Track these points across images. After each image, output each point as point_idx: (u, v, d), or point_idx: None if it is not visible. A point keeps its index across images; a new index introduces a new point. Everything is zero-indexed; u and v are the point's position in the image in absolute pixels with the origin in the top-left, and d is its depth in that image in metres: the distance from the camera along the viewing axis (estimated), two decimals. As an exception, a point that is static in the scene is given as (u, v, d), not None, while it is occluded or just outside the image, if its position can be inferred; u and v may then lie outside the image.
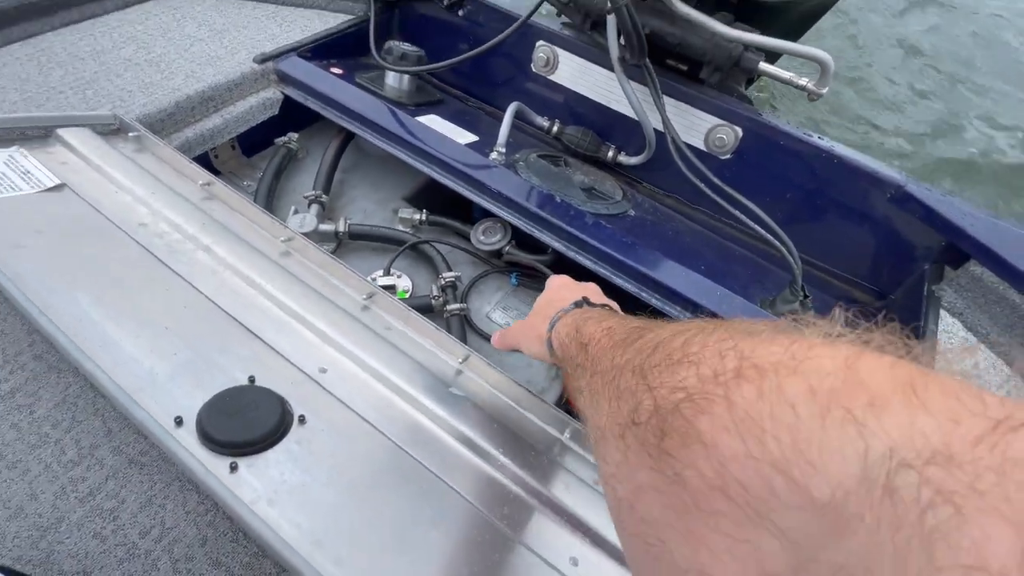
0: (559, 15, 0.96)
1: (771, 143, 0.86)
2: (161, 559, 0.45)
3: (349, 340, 0.55)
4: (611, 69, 0.86)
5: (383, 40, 1.00)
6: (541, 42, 0.98)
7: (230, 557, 0.46)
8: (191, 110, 0.81)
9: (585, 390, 0.31)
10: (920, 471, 0.13)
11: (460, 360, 0.57)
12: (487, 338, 0.76)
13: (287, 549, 0.39)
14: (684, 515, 0.19)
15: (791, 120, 0.89)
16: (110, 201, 0.62)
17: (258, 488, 0.42)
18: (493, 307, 0.83)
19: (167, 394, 0.46)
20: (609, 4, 0.76)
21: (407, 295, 0.81)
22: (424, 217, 0.88)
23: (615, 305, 0.49)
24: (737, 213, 0.78)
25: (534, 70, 1.02)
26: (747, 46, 0.81)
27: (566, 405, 0.71)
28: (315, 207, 0.85)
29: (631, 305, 0.64)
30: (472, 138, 0.94)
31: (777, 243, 0.74)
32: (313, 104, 0.88)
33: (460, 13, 1.05)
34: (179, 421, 0.44)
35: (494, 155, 0.85)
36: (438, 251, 0.84)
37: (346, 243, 0.85)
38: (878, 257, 0.88)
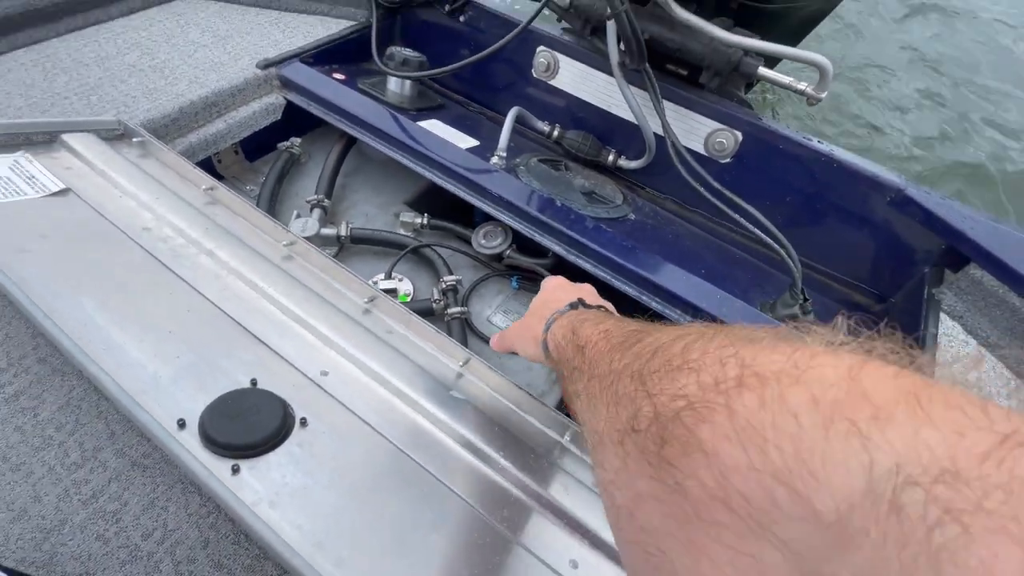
0: (559, 21, 0.97)
1: (770, 147, 0.87)
2: (163, 561, 0.45)
3: (350, 343, 0.56)
4: (611, 74, 0.87)
5: (385, 46, 1.01)
6: (542, 47, 0.99)
7: (232, 559, 0.46)
8: (195, 115, 0.82)
9: (582, 394, 0.30)
10: (927, 488, 0.13)
11: (461, 363, 0.57)
12: (488, 341, 0.77)
13: (288, 551, 0.39)
14: (685, 525, 0.19)
15: (790, 124, 0.89)
16: (114, 206, 0.63)
17: (260, 490, 0.42)
18: (494, 310, 0.83)
19: (170, 397, 0.46)
20: (609, 10, 0.77)
21: (408, 299, 0.81)
22: (425, 221, 0.89)
23: (610, 306, 0.48)
24: (737, 217, 0.78)
25: (535, 75, 1.02)
26: (746, 51, 0.82)
27: (566, 408, 0.71)
28: (317, 211, 0.85)
29: (630, 308, 0.65)
30: (473, 143, 0.95)
31: (777, 247, 0.75)
32: (315, 109, 0.89)
33: (461, 19, 1.06)
34: (182, 424, 0.44)
35: (495, 159, 0.85)
36: (439, 255, 0.85)
37: (348, 247, 0.86)
38: (878, 260, 0.88)
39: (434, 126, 0.95)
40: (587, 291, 0.51)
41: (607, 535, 0.47)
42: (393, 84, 0.99)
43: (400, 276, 0.83)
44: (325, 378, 0.52)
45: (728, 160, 0.91)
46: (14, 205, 0.59)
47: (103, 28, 0.94)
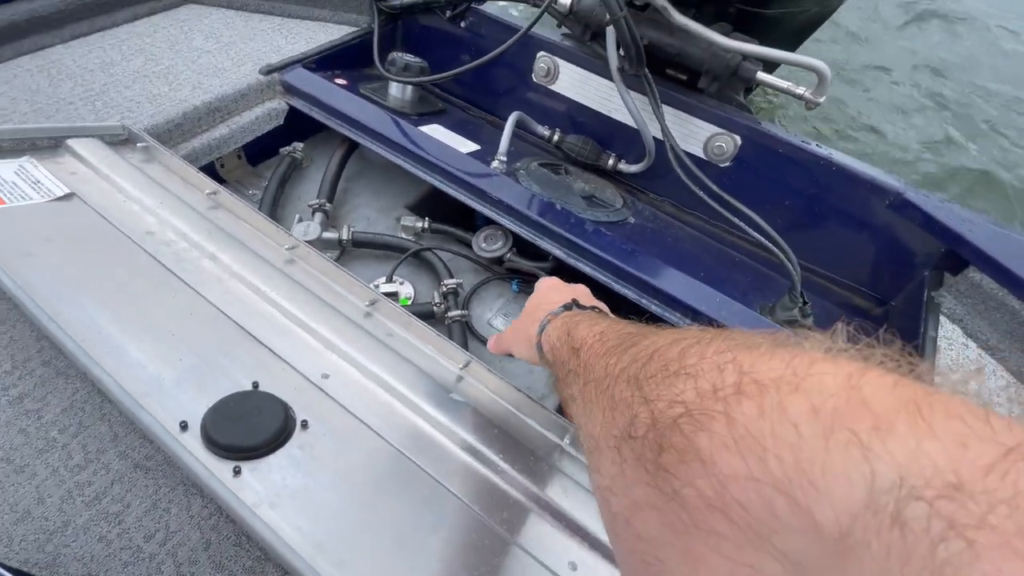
0: (559, 26, 0.98)
1: (770, 151, 0.87)
2: (165, 563, 0.45)
3: (351, 346, 0.56)
4: (611, 79, 0.88)
5: (387, 51, 1.01)
6: (542, 53, 0.99)
7: (233, 561, 0.46)
8: (198, 120, 0.83)
9: (578, 397, 0.30)
10: (930, 502, 0.13)
11: (461, 366, 0.57)
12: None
13: (288, 551, 0.39)
14: (683, 535, 0.19)
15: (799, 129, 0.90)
16: (118, 210, 0.64)
17: (261, 492, 0.42)
18: (495, 313, 0.83)
19: (173, 399, 0.46)
20: (608, 16, 0.77)
21: (409, 302, 0.81)
22: (426, 225, 0.89)
23: (604, 307, 0.48)
24: (736, 220, 0.79)
25: (535, 80, 1.03)
26: (744, 56, 0.83)
27: (565, 411, 0.71)
28: (319, 215, 0.86)
29: (630, 311, 0.65)
30: (474, 147, 0.95)
31: (776, 250, 0.75)
32: (317, 114, 0.90)
33: (462, 25, 1.07)
34: (184, 426, 0.45)
35: (495, 164, 0.86)
36: (440, 258, 0.85)
37: (349, 251, 0.86)
38: (878, 264, 0.88)
39: (435, 131, 0.96)
40: (581, 291, 0.51)
41: (606, 537, 0.47)
42: (395, 89, 1.00)
43: (401, 279, 0.83)
44: (326, 381, 0.52)
45: (727, 164, 0.91)
46: (20, 209, 0.60)
47: (108, 34, 0.95)
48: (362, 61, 1.06)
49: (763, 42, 0.81)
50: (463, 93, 1.16)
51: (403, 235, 0.90)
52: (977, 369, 0.59)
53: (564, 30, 0.98)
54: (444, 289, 0.80)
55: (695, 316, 0.69)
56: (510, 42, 0.86)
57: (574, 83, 0.99)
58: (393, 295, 0.81)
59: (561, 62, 0.99)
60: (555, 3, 0.88)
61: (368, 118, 0.87)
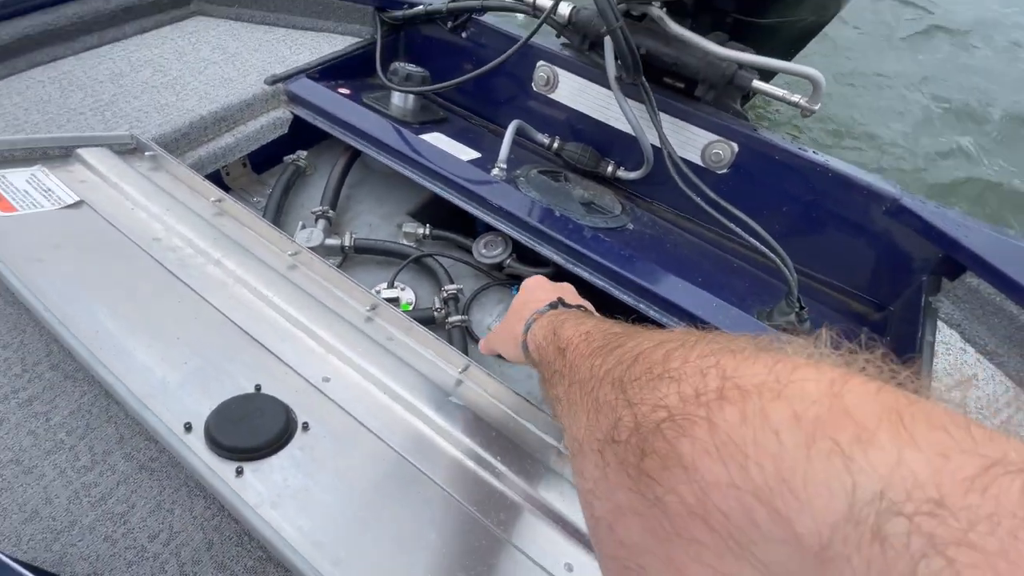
0: (558, 36, 0.99)
1: (767, 158, 0.88)
2: (169, 562, 0.46)
3: (352, 350, 0.57)
4: (609, 88, 0.89)
5: (389, 61, 1.03)
6: (541, 62, 1.01)
7: (235, 561, 0.47)
8: (204, 130, 0.84)
9: (563, 398, 0.30)
10: (910, 517, 0.13)
11: (460, 370, 0.58)
12: None
13: (289, 550, 0.40)
14: (665, 542, 0.19)
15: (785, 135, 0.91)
16: (126, 217, 0.65)
17: (262, 492, 0.43)
18: (494, 319, 0.84)
19: (177, 401, 0.47)
20: (605, 26, 0.79)
21: (410, 307, 0.82)
22: (427, 231, 0.90)
23: (589, 305, 0.48)
24: (733, 227, 0.79)
25: (535, 89, 1.04)
26: (741, 64, 0.84)
27: None
28: (322, 222, 0.87)
29: (620, 314, 0.66)
30: (474, 155, 0.97)
31: (773, 256, 0.76)
32: (321, 123, 0.92)
33: (463, 35, 1.09)
34: (188, 427, 0.46)
35: (496, 171, 0.87)
36: (441, 264, 0.86)
37: (352, 257, 0.88)
38: (875, 269, 0.88)
39: (436, 139, 0.97)
40: (567, 290, 0.51)
41: None
42: (397, 98, 1.02)
43: (402, 285, 0.85)
44: (327, 384, 0.53)
45: (725, 171, 0.92)
46: (31, 217, 0.61)
47: (118, 46, 0.98)
48: (365, 71, 1.08)
49: (760, 51, 0.82)
50: (464, 102, 1.17)
51: (404, 241, 0.91)
52: (965, 379, 0.59)
53: (563, 40, 1.00)
54: (445, 295, 0.81)
55: (693, 321, 0.70)
56: (510, 52, 0.87)
57: (573, 92, 1.01)
58: (394, 300, 0.82)
59: (560, 71, 1.00)
60: (554, 14, 0.90)
61: (371, 127, 0.88)
